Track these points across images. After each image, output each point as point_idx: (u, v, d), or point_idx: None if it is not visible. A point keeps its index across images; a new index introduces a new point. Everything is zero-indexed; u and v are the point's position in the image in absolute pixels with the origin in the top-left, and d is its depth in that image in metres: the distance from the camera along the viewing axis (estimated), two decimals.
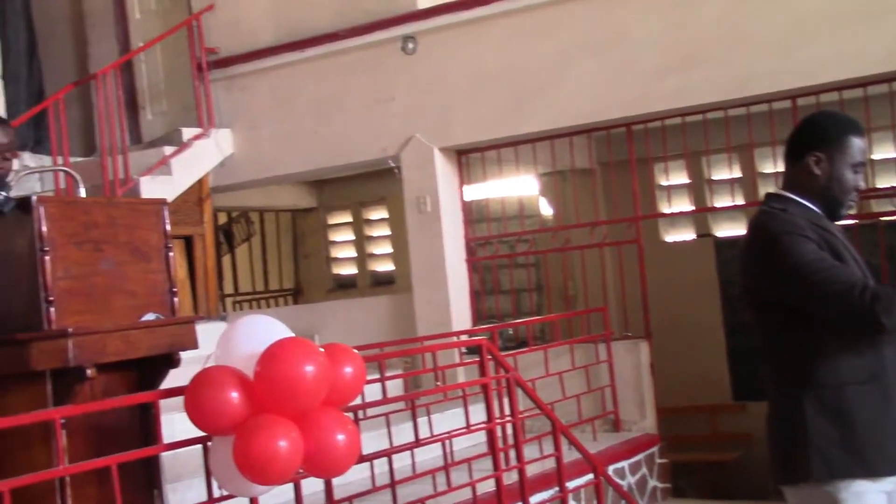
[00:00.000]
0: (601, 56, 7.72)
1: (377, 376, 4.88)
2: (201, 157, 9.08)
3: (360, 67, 8.72)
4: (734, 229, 10.15)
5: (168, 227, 3.83)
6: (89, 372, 3.34)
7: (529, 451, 5.50)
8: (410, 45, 8.44)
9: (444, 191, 8.44)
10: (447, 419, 6.23)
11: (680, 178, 9.95)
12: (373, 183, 11.67)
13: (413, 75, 8.47)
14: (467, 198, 8.68)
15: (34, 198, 3.37)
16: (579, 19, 7.81)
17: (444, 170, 8.48)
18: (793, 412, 2.94)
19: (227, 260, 12.61)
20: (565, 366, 7.36)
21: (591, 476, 6.10)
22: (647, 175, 8.40)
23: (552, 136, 8.24)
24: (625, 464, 7.25)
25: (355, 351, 3.56)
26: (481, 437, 6.50)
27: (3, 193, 3.44)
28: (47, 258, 3.36)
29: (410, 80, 8.49)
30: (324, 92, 8.92)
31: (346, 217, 12.95)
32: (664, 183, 10.00)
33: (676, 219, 10.64)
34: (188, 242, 8.97)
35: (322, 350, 3.36)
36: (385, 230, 12.61)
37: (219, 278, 10.39)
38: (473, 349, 7.20)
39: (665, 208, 9.62)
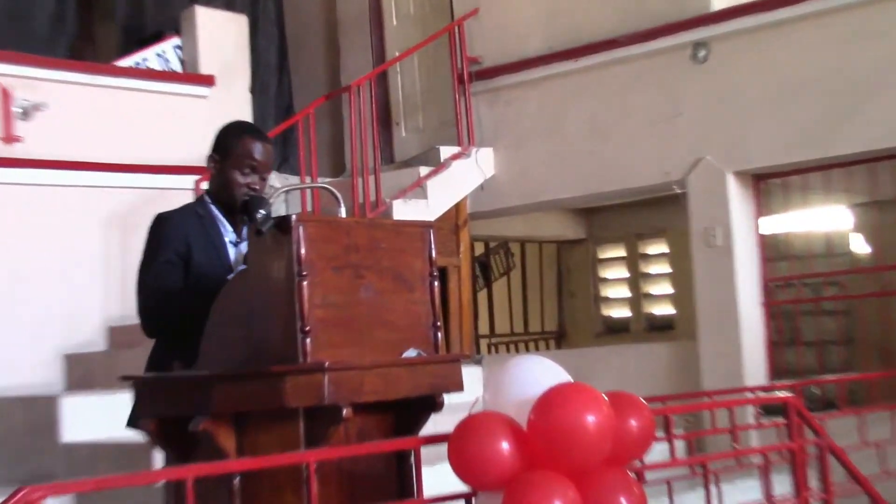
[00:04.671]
0: None
1: (660, 434, 4.79)
2: (460, 179, 9.26)
3: (642, 79, 8.67)
4: None
5: (434, 254, 3.89)
6: (345, 412, 3.42)
7: None
8: (702, 53, 8.33)
9: (738, 222, 8.25)
10: (738, 490, 6.04)
11: None
12: (652, 212, 11.54)
13: (704, 87, 8.35)
14: (765, 231, 8.45)
15: (294, 216, 3.49)
16: None
17: (738, 197, 8.30)
18: None
19: (482, 296, 12.78)
20: (885, 435, 7.00)
21: None
22: None
23: (872, 158, 7.92)
24: None
25: (643, 402, 3.52)
26: None
27: (262, 211, 3.59)
28: (305, 283, 3.46)
29: (701, 92, 8.37)
30: (600, 107, 8.92)
31: (620, 251, 12.88)
32: None
33: None
34: (442, 274, 9.16)
35: (606, 398, 3.33)
36: (664, 267, 12.46)
37: (474, 316, 10.53)
38: (773, 409, 6.98)
39: None
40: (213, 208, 4.17)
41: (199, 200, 4.25)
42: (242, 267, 3.95)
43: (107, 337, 8.18)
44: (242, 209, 4.06)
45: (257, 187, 4.13)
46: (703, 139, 8.36)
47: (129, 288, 8.14)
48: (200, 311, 3.81)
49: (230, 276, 3.93)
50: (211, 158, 4.20)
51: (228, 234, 4.13)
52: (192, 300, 3.86)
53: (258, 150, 4.15)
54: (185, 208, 4.25)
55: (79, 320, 8.07)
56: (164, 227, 4.09)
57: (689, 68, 8.42)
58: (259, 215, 3.60)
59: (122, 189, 8.42)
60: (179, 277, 4.01)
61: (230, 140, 4.19)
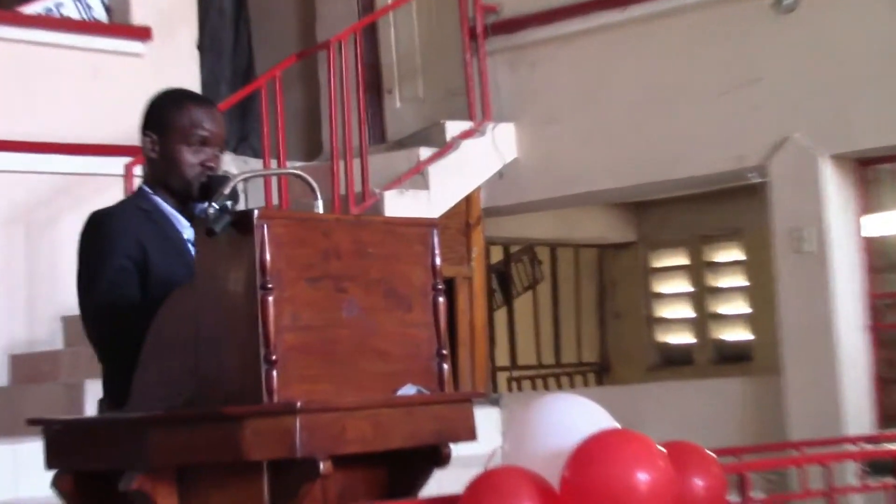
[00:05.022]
0: None
1: (733, 497, 4.81)
2: (471, 163, 9.30)
3: (708, 33, 8.68)
4: None
5: (438, 261, 3.90)
6: (322, 466, 3.42)
7: None
8: (788, 0, 8.34)
9: (835, 221, 8.27)
10: None
11: None
12: (722, 208, 11.56)
13: (790, 45, 8.36)
14: (870, 232, 8.45)
15: (256, 212, 3.49)
16: None
17: (835, 189, 8.31)
18: None
19: (500, 316, 12.79)
20: None
21: None
22: None
23: None
24: None
25: (711, 455, 3.53)
26: None
27: (215, 206, 3.57)
28: (270, 299, 3.46)
29: (786, 51, 8.38)
30: (653, 70, 8.94)
31: (680, 258, 12.90)
32: None
33: None
34: (449, 288, 9.15)
35: (662, 450, 3.34)
36: (738, 279, 12.47)
37: (490, 343, 10.52)
38: (881, 465, 6.97)
39: None
40: (158, 200, 4.18)
41: (138, 194, 4.27)
42: None
43: (8, 368, 8.18)
44: (202, 194, 4.07)
45: (213, 165, 4.15)
46: (790, 112, 8.37)
47: (37, 304, 8.21)
48: None
49: None
50: (146, 139, 4.21)
51: (186, 231, 4.14)
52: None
53: (207, 117, 4.18)
54: (125, 203, 4.28)
55: None
56: (107, 228, 4.09)
57: (772, 20, 8.42)
58: (212, 210, 3.59)
59: (29, 174, 8.44)
60: (135, 289, 4.00)
61: (168, 111, 4.20)
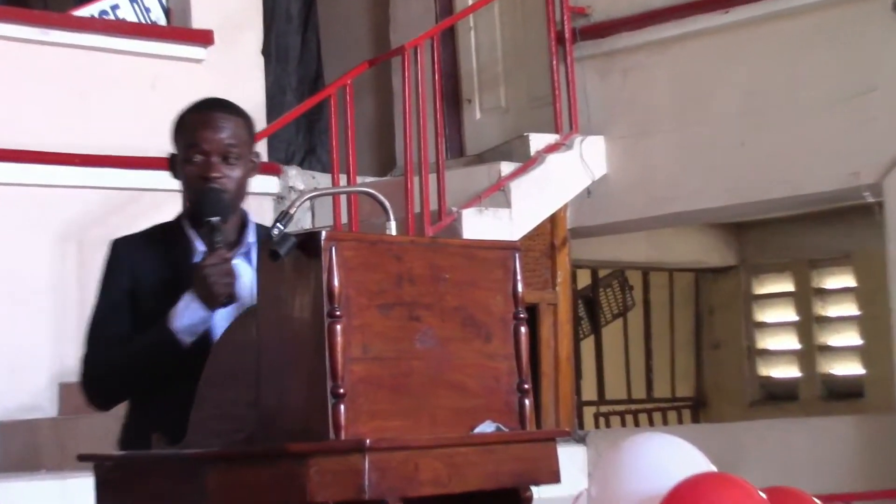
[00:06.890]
0: None
1: None
2: (557, 180, 9.30)
3: (821, 38, 8.64)
4: None
5: (520, 287, 3.88)
6: None
7: None
8: None
9: None
10: None
11: None
12: (831, 229, 11.50)
13: None
14: None
15: (323, 233, 3.49)
16: None
17: None
18: None
19: (587, 345, 12.77)
20: None
21: None
22: None
23: None
24: None
25: (817, 501, 3.51)
26: None
27: (280, 226, 3.58)
28: (338, 328, 3.46)
29: None
30: (757, 79, 8.91)
31: (785, 284, 12.86)
32: None
33: None
34: (532, 316, 9.15)
35: (763, 496, 3.33)
36: (849, 308, 12.40)
37: (576, 376, 10.50)
38: None
39: None
40: (185, 222, 4.28)
41: (178, 215, 4.36)
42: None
43: (57, 398, 8.24)
44: (196, 210, 4.18)
45: (215, 174, 4.17)
46: None
47: None
48: (150, 372, 4.02)
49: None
50: (170, 159, 4.36)
51: (199, 255, 4.18)
52: (136, 357, 4.02)
53: (202, 124, 4.25)
54: (152, 228, 4.38)
55: (19, 374, 8.13)
56: (109, 259, 4.27)
57: (888, 23, 8.38)
58: (276, 231, 3.59)
59: (83, 189, 8.50)
60: (123, 325, 4.15)
61: (175, 129, 4.35)
